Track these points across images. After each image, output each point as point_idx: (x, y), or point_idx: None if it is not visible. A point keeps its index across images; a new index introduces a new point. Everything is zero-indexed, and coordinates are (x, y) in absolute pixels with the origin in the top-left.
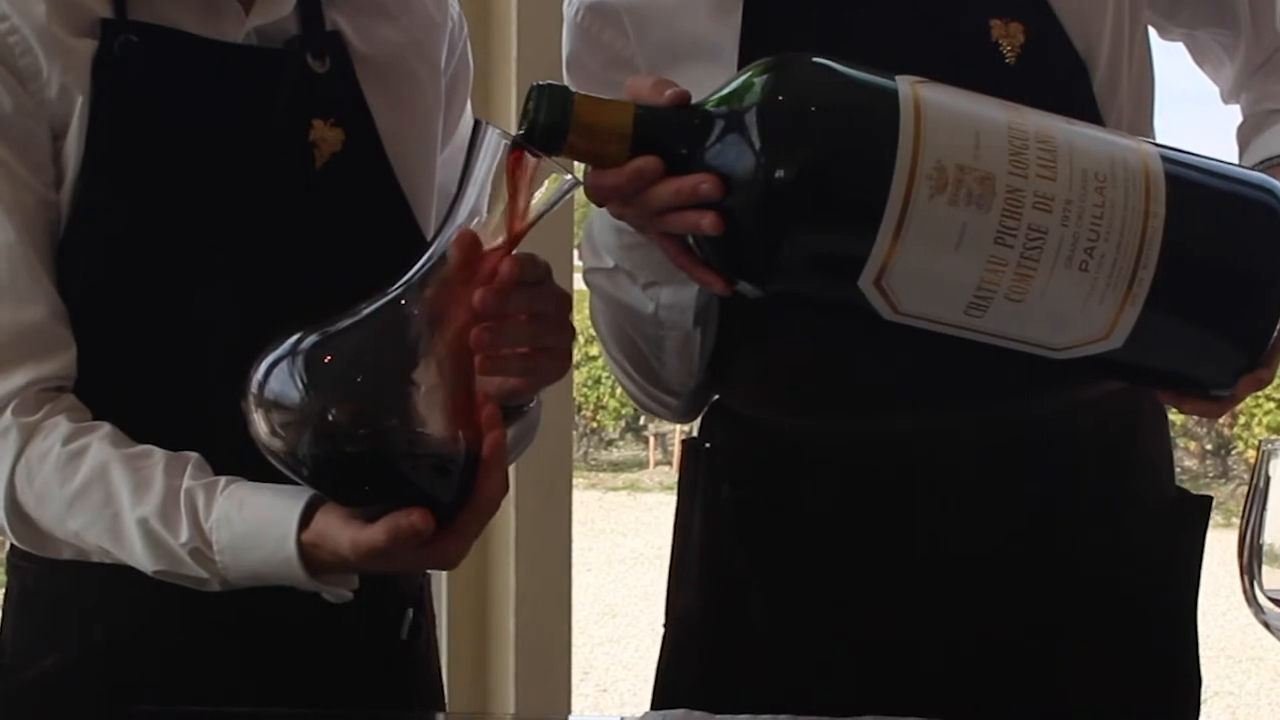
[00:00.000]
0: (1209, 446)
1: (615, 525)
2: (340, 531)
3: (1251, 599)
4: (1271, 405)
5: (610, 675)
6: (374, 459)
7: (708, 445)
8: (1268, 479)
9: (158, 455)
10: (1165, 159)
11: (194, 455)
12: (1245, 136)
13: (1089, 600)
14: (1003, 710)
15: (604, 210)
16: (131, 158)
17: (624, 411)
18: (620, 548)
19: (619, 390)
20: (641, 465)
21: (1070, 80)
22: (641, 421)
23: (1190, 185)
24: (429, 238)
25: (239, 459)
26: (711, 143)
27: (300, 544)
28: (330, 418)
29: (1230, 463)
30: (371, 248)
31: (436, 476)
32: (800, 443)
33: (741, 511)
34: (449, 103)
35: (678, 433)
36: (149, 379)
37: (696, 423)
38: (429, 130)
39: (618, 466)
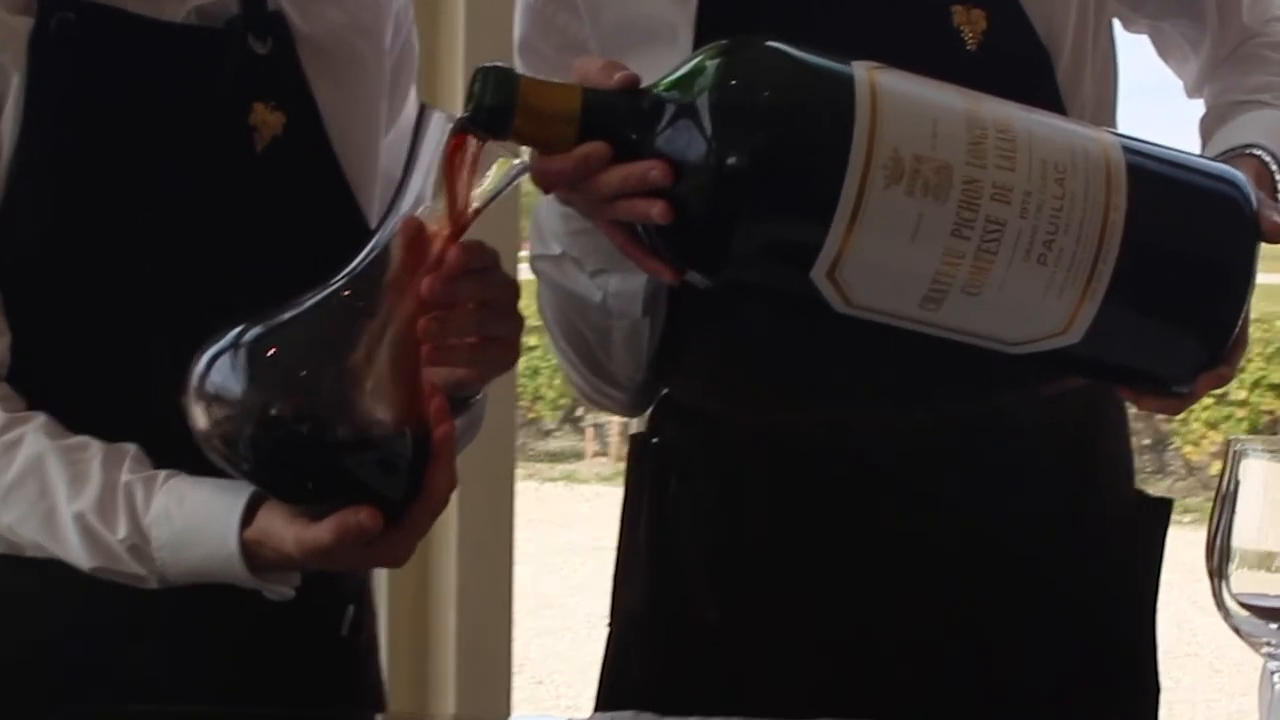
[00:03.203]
0: (1146, 441)
1: (552, 516)
2: (284, 529)
3: (1220, 603)
4: (1210, 400)
5: (546, 667)
6: (318, 455)
7: (655, 440)
8: (1237, 481)
9: (95, 447)
10: (1126, 149)
11: (132, 447)
12: (1208, 128)
13: (1048, 600)
14: (960, 711)
15: (552, 196)
16: (68, 138)
17: (561, 402)
18: (557, 539)
19: (556, 380)
20: (579, 456)
21: (1032, 69)
22: (579, 412)
23: (1151, 177)
24: (372, 225)
25: (179, 451)
26: (662, 128)
27: (242, 541)
28: (273, 412)
29: (1167, 458)
30: (314, 234)
31: (383, 473)
32: (753, 436)
33: (692, 506)
34: (393, 85)
35: (615, 424)
36: (85, 367)
37: (641, 416)
38: (373, 113)
39: (555, 457)
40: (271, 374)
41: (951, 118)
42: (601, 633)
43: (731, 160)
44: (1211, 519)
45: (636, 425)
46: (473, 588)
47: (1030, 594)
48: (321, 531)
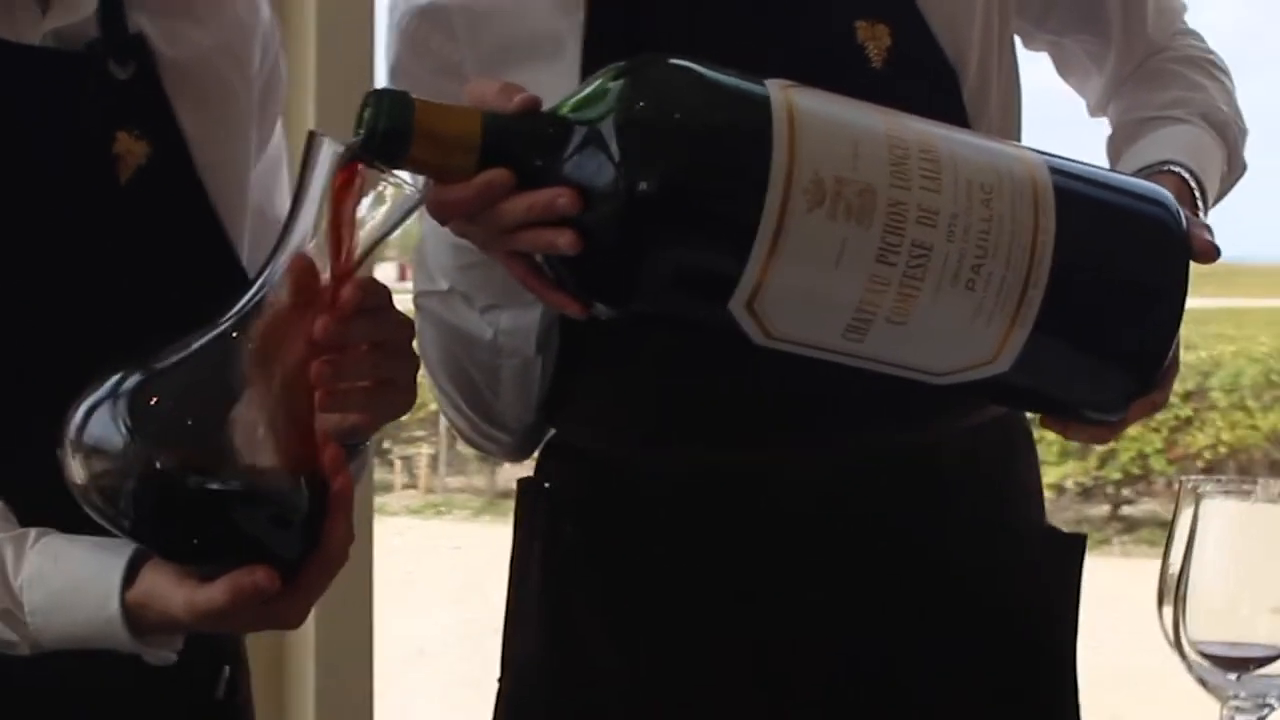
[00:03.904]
0: None
1: None
2: (172, 591)
3: (1182, 655)
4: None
5: None
6: (207, 510)
7: (546, 485)
8: (1195, 521)
9: None
10: (1052, 169)
11: None
12: (1117, 148)
13: (966, 635)
14: None
15: (439, 228)
16: None
17: None
18: None
19: None
20: (388, 489)
21: (939, 86)
22: (386, 444)
23: (1079, 197)
24: (243, 258)
25: (50, 507)
26: (568, 154)
27: (124, 603)
28: (158, 465)
29: None
30: (183, 268)
31: (277, 528)
32: (650, 477)
33: (586, 552)
34: (262, 111)
35: (424, 456)
36: None
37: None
38: (242, 141)
39: None
40: (155, 423)
41: (873, 138)
42: (412, 666)
43: (642, 186)
44: (1165, 565)
45: (444, 459)
46: (331, 638)
47: (947, 629)
48: (215, 593)
